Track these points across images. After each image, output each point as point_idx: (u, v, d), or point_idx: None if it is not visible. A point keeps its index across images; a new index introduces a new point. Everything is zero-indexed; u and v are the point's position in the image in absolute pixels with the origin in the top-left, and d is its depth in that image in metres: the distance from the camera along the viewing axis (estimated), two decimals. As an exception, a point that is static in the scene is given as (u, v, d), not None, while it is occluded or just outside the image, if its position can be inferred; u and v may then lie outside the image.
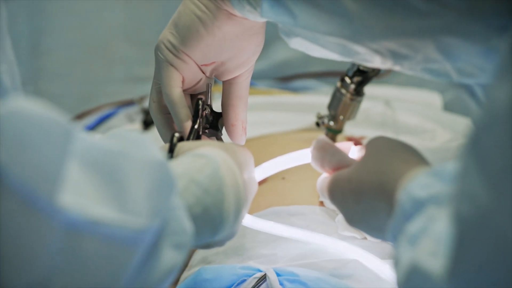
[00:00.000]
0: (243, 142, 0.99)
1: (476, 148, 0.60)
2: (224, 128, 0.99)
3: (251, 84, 1.77)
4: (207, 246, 0.81)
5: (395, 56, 0.83)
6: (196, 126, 0.93)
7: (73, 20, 1.94)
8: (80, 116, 1.82)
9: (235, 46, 0.96)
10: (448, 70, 0.82)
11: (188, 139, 0.92)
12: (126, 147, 0.68)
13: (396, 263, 0.69)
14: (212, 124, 0.97)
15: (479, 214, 0.59)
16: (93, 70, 1.95)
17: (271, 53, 1.85)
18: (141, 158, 0.68)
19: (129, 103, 1.81)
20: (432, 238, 0.65)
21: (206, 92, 0.98)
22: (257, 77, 1.83)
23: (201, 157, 0.78)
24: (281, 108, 1.62)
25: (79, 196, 0.63)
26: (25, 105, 0.61)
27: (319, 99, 1.64)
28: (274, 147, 1.35)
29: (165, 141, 0.97)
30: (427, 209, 0.68)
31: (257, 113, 1.59)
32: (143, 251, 0.67)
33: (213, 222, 0.77)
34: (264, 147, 1.34)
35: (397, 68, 0.85)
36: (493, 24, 0.76)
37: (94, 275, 0.64)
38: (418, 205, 0.69)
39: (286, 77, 1.86)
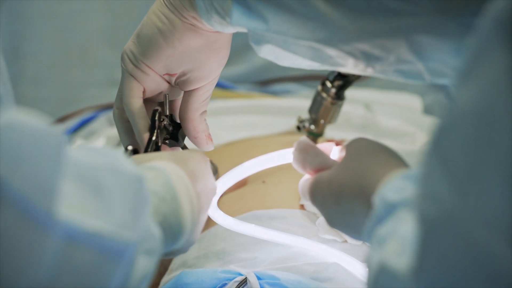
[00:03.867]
0: (210, 149, 0.99)
1: (439, 149, 0.60)
2: (187, 137, 0.98)
3: (232, 88, 1.77)
4: (171, 253, 0.81)
5: (368, 58, 0.83)
6: (154, 138, 0.92)
7: (53, 24, 1.94)
8: (61, 120, 1.81)
9: (196, 58, 0.95)
10: (421, 71, 0.82)
11: (145, 151, 0.92)
12: (108, 162, 0.69)
13: (368, 266, 0.69)
14: (172, 134, 0.96)
15: (443, 215, 0.59)
16: (73, 74, 1.94)
17: (250, 57, 1.85)
18: (123, 173, 0.69)
19: (109, 107, 1.81)
20: (398, 239, 0.66)
21: (164, 103, 0.97)
22: (237, 81, 1.83)
23: (151, 169, 0.78)
24: (262, 112, 1.62)
25: (74, 209, 0.64)
26: (21, 117, 0.62)
27: (299, 102, 1.64)
28: (255, 150, 1.35)
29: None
30: (398, 212, 0.68)
31: (239, 116, 1.59)
32: (126, 262, 0.68)
33: (172, 229, 0.77)
34: (246, 150, 1.34)
35: (369, 70, 0.85)
36: (466, 23, 0.76)
37: (86, 284, 0.66)
38: (390, 208, 0.69)
39: (266, 81, 1.86)
